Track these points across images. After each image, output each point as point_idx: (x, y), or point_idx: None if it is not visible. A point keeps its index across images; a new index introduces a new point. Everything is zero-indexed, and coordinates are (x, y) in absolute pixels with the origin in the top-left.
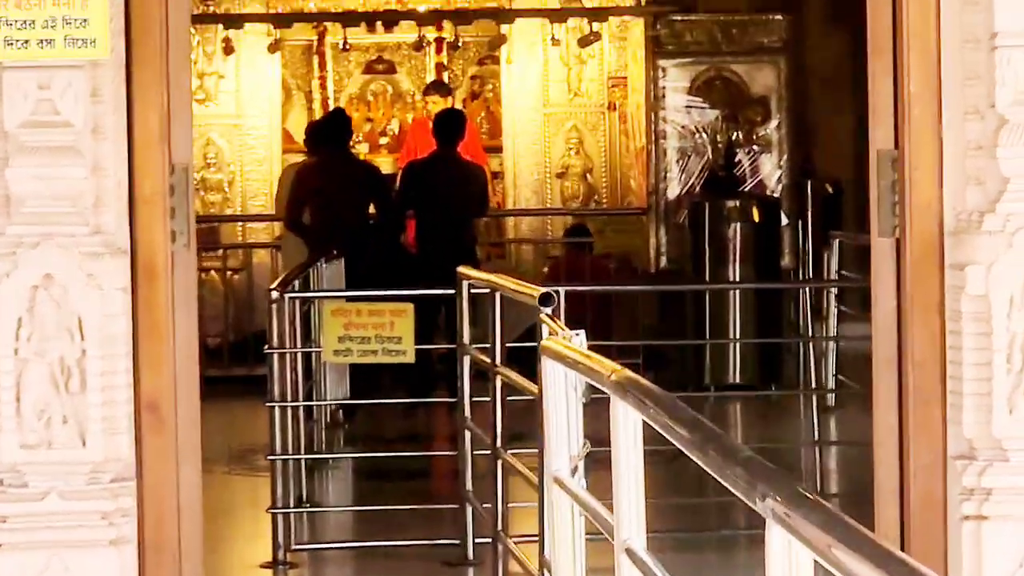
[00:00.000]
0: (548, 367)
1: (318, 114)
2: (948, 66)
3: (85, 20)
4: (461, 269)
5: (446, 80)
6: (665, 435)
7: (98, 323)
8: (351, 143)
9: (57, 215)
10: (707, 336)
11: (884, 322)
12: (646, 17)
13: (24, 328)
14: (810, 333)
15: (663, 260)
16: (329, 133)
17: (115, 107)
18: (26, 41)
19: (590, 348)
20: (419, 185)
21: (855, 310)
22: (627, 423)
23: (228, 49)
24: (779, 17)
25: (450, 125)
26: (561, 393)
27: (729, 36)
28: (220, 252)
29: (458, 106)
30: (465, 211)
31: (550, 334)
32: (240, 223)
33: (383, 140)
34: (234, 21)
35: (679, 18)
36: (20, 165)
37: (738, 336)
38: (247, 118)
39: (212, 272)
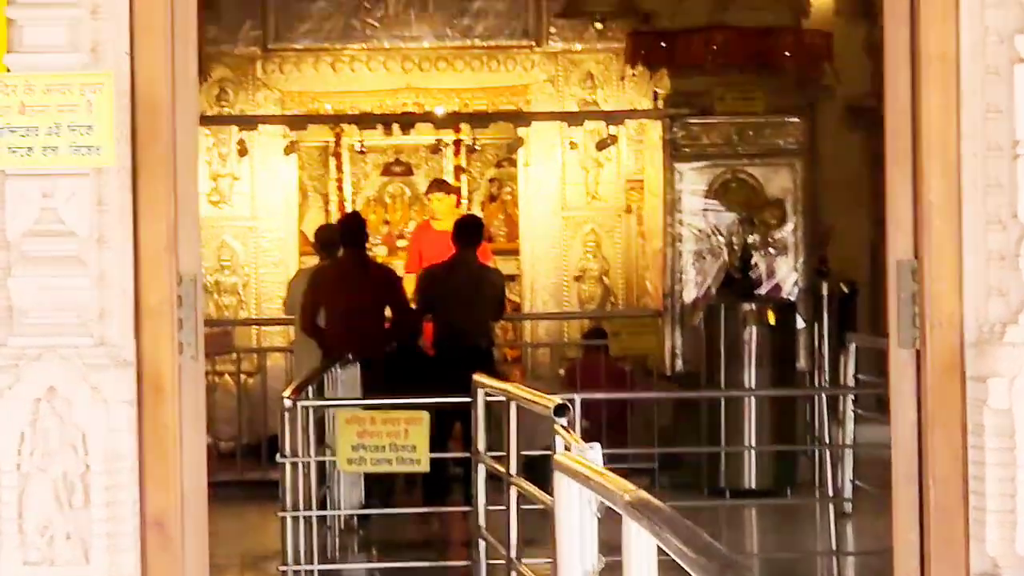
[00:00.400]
0: (562, 483)
1: (335, 216)
2: (969, 175)
3: (90, 127)
4: (477, 377)
5: (463, 182)
6: (679, 562)
7: (102, 437)
8: (367, 245)
9: (60, 326)
10: (722, 437)
11: (904, 436)
12: (663, 120)
13: (26, 443)
14: (827, 436)
15: (679, 362)
16: (345, 235)
17: (120, 216)
18: (29, 148)
19: (605, 452)
20: (437, 289)
21: (872, 413)
22: (640, 546)
23: (242, 151)
24: (795, 120)
25: (469, 229)
26: (575, 509)
27: (745, 138)
28: (234, 355)
29: (476, 208)
30: (482, 315)
31: (565, 446)
32: (254, 326)
33: (400, 243)
34: (249, 123)
35: (696, 121)
36: (23, 275)
37: (754, 437)
38: (262, 220)
39: (226, 375)
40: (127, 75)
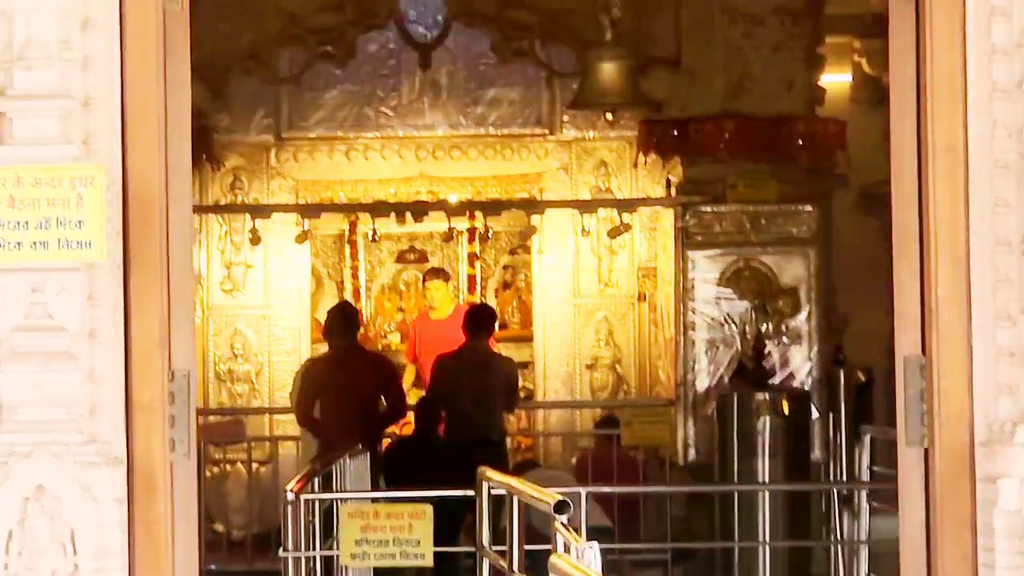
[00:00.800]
0: None
1: None
2: (977, 270)
3: (80, 221)
4: (482, 470)
5: (477, 269)
6: None
7: (92, 536)
8: (359, 335)
9: (51, 423)
10: (735, 528)
11: (912, 537)
12: (676, 208)
13: (14, 541)
14: (842, 528)
15: (691, 452)
16: (336, 326)
17: (112, 311)
18: (19, 243)
19: (616, 546)
20: (444, 378)
21: (888, 505)
22: None
23: (255, 239)
24: (808, 208)
25: (480, 318)
26: None
27: (758, 227)
28: (246, 444)
29: (489, 295)
30: (492, 404)
31: (564, 545)
32: (267, 415)
33: None
34: (262, 211)
35: (708, 209)
36: (12, 371)
37: (768, 529)
38: (275, 308)
39: (238, 464)
40: (119, 167)
